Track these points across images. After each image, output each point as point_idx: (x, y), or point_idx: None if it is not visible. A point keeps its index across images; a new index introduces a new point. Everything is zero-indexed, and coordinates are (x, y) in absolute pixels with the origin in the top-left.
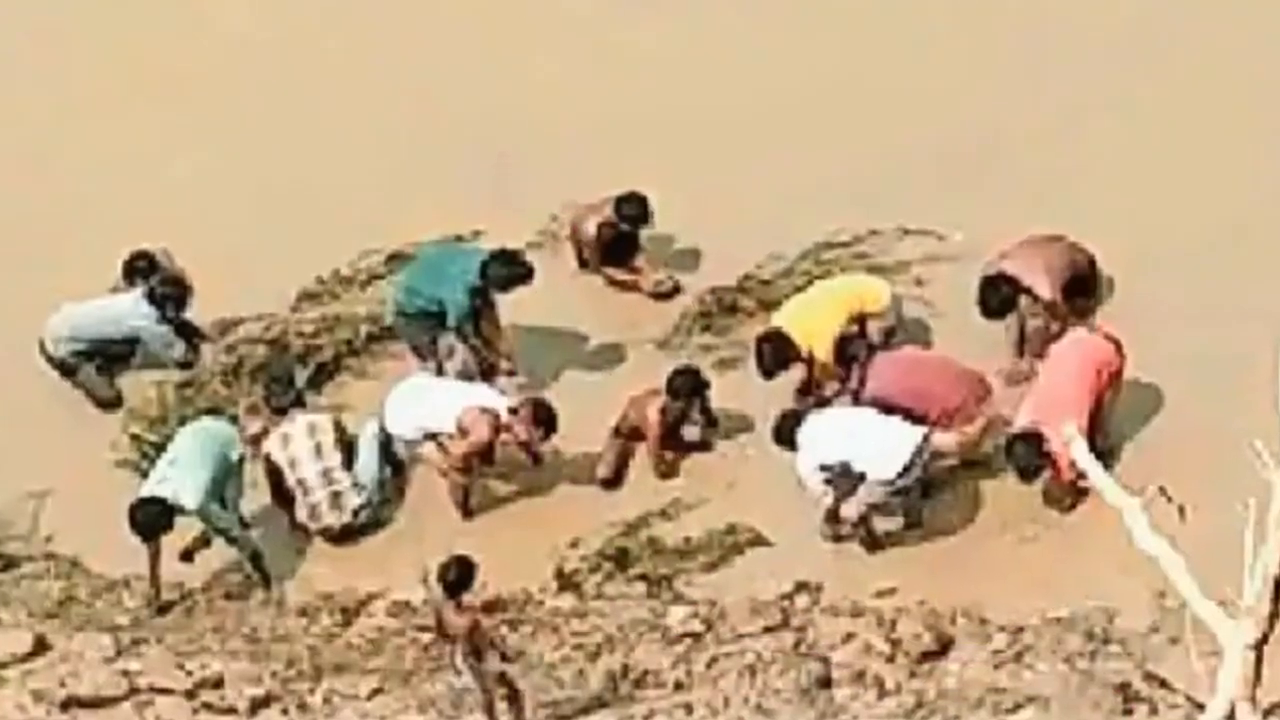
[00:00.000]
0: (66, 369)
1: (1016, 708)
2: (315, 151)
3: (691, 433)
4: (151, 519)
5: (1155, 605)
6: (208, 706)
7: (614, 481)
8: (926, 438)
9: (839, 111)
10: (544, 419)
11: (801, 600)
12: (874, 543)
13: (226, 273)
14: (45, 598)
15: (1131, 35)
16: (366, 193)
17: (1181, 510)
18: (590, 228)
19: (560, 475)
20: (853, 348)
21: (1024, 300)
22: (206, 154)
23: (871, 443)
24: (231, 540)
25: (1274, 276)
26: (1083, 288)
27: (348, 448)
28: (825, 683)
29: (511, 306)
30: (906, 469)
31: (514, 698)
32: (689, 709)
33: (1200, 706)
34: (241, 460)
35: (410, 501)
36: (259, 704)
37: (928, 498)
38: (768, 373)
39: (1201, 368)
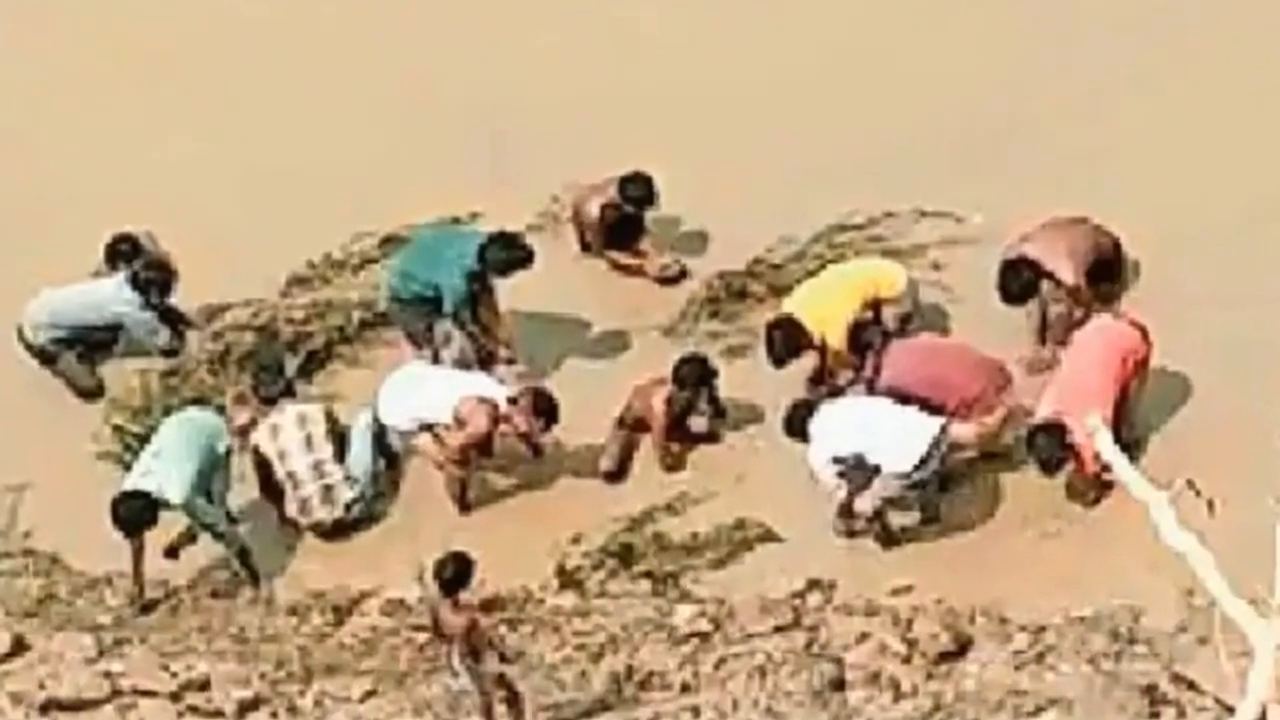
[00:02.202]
0: (46, 357)
1: (1038, 710)
2: (306, 131)
3: (699, 424)
4: (135, 514)
5: (1183, 603)
6: (193, 709)
7: (618, 475)
8: (944, 429)
9: (853, 88)
10: (545, 409)
11: (814, 598)
12: (889, 538)
13: (213, 257)
14: (24, 596)
15: (1157, 10)
16: (359, 173)
17: (1210, 504)
18: (593, 209)
19: (562, 468)
20: (867, 335)
21: (1046, 285)
22: (193, 133)
23: (887, 434)
24: (218, 536)
25: None
26: (1107, 272)
27: (340, 439)
28: (838, 684)
29: (511, 292)
30: (923, 461)
31: (513, 700)
32: (696, 712)
33: (1230, 709)
34: (229, 452)
35: (405, 495)
36: (247, 706)
37: (945, 491)
38: (778, 361)
39: (1231, 355)
